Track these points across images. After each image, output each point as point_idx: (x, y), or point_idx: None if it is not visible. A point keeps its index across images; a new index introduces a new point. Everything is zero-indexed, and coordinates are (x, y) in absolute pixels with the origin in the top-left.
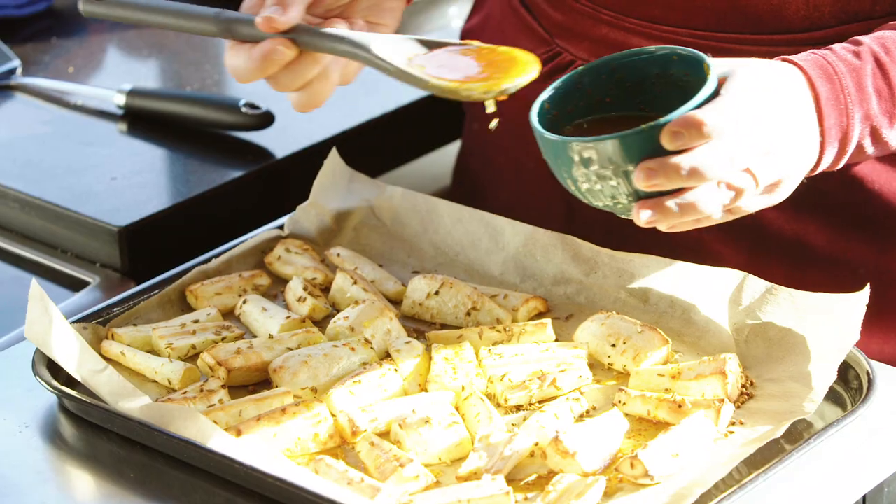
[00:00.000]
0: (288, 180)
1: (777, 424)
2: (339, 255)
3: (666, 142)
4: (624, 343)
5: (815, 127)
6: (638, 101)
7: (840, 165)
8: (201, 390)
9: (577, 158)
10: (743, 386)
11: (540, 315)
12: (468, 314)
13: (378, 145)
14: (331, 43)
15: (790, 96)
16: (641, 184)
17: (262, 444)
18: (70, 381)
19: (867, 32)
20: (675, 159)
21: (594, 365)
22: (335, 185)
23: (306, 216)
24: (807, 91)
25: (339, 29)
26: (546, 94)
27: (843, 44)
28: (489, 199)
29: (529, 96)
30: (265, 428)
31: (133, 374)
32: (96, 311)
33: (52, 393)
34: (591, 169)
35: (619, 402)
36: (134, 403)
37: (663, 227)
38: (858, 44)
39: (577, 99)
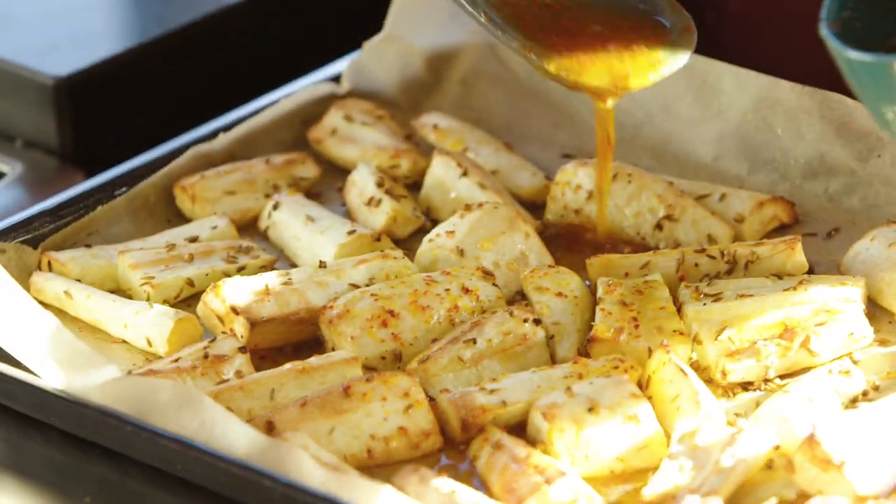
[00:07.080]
0: None
1: None
2: (436, 126)
3: None
4: None
5: None
6: None
7: None
8: (205, 356)
9: None
10: None
11: (782, 229)
12: (658, 227)
13: None
14: None
15: None
16: None
17: (311, 446)
18: None
19: None
20: None
21: (876, 314)
22: (428, 5)
23: (379, 59)
24: None
25: None
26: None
27: None
28: None
29: None
30: (316, 420)
31: (87, 327)
32: (21, 221)
33: None
34: None
35: None
36: (90, 378)
37: None
38: None
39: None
